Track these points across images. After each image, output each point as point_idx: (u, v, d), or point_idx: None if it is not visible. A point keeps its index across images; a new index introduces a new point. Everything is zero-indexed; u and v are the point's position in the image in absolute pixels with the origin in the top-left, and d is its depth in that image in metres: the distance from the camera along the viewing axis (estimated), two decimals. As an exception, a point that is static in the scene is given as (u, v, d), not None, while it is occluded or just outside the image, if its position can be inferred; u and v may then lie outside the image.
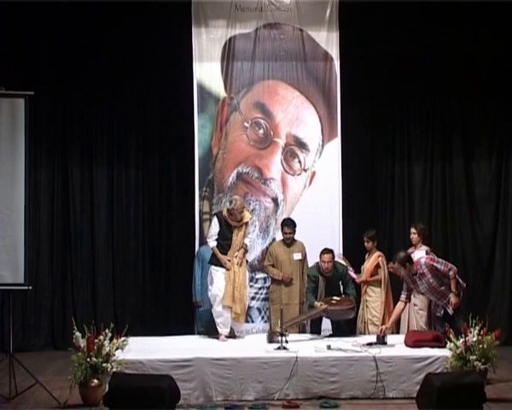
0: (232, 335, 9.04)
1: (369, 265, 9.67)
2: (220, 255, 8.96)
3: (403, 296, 8.66)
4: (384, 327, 8.54)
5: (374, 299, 9.61)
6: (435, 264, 8.54)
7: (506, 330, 10.60)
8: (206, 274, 9.53)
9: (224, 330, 8.90)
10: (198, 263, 9.71)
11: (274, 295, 9.84)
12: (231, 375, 7.68)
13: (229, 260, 8.94)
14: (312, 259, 9.67)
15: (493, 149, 11.22)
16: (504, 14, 10.67)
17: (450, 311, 8.53)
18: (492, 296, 11.11)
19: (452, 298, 8.49)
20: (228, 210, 9.01)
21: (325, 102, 10.48)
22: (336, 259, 9.47)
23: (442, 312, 8.63)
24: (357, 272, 9.69)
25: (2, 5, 10.02)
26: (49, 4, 10.30)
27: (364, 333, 9.44)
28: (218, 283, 8.94)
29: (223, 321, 8.91)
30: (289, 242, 9.82)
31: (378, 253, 9.72)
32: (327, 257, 9.18)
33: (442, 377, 7.14)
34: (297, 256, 9.82)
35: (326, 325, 9.49)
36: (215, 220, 9.06)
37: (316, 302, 9.04)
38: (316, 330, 9.23)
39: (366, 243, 9.72)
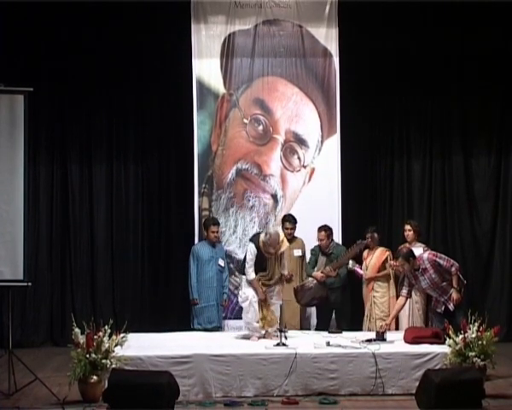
0: (267, 335, 8.68)
1: (375, 260, 9.67)
2: (259, 289, 8.52)
3: (404, 292, 8.67)
4: (384, 323, 8.54)
5: (381, 295, 9.62)
6: (438, 259, 8.57)
7: (505, 327, 10.62)
8: (201, 271, 9.61)
9: (254, 334, 8.62)
10: (193, 261, 9.73)
11: None
12: (230, 371, 7.67)
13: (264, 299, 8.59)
14: (311, 255, 9.71)
15: (492, 145, 11.22)
16: (504, 12, 10.67)
17: (451, 307, 8.55)
18: (491, 293, 11.12)
19: (454, 294, 8.50)
20: (263, 241, 8.52)
21: (324, 98, 10.49)
22: None
23: (443, 308, 8.64)
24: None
25: (1, 3, 10.02)
26: (48, 1, 10.29)
27: (372, 330, 9.36)
28: (246, 290, 8.62)
29: (252, 328, 8.61)
30: (290, 238, 9.83)
31: (384, 248, 9.72)
32: (320, 235, 9.59)
33: (441, 373, 7.14)
34: (297, 252, 9.83)
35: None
36: (252, 246, 8.55)
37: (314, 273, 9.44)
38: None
39: (370, 240, 9.71)
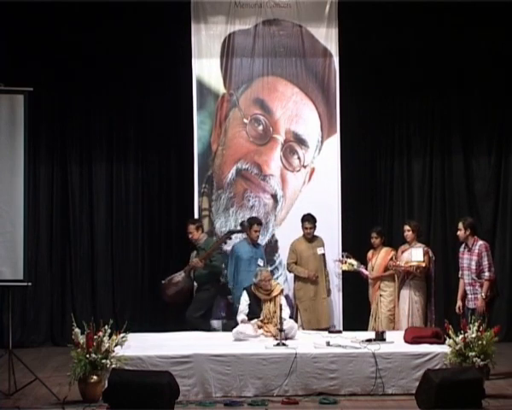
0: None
1: (381, 260, 9.67)
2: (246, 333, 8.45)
3: (460, 273, 8.99)
4: (458, 305, 8.93)
5: (388, 294, 9.62)
6: (484, 254, 8.77)
7: (505, 327, 10.61)
8: (239, 270, 9.67)
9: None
10: (231, 260, 9.84)
11: (301, 293, 9.89)
12: (231, 371, 7.68)
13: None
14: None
15: (493, 145, 11.22)
16: (505, 12, 10.66)
17: (471, 306, 8.68)
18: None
19: (479, 301, 8.66)
20: (255, 284, 8.74)
21: (324, 98, 10.48)
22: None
23: (474, 304, 8.77)
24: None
25: (2, 4, 10.02)
26: (48, 1, 10.28)
27: (377, 329, 9.24)
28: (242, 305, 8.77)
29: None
30: (310, 237, 9.86)
31: (388, 248, 9.74)
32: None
33: (441, 373, 7.14)
34: (320, 251, 9.91)
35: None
36: (244, 294, 8.78)
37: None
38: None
39: (374, 239, 9.73)
